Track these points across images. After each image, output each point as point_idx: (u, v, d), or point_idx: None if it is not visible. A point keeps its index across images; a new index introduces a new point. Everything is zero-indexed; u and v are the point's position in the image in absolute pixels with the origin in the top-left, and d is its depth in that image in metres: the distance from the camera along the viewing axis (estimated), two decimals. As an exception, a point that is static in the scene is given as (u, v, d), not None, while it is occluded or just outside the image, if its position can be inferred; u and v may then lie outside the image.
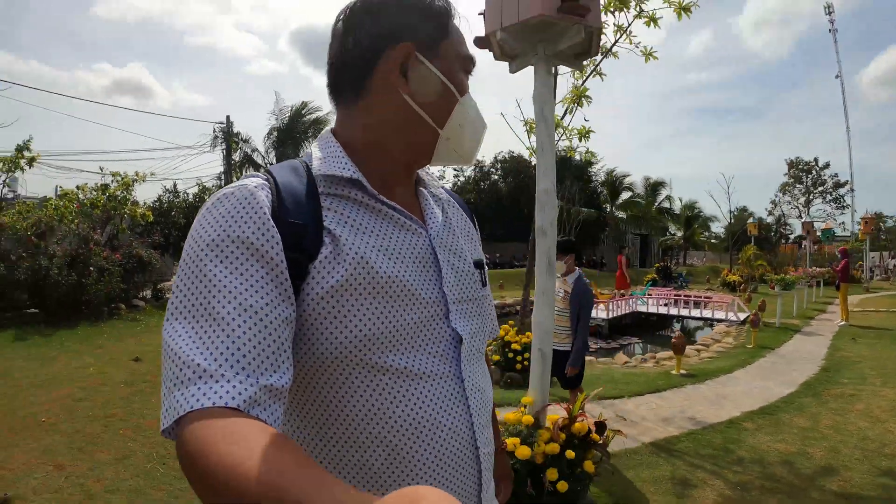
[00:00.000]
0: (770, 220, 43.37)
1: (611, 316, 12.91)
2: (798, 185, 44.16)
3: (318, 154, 0.85)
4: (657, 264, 25.29)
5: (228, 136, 21.82)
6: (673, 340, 7.25)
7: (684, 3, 5.30)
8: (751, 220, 31.74)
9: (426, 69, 0.85)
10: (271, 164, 26.21)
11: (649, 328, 13.89)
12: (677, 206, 33.69)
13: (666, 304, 14.92)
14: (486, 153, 33.92)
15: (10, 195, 11.02)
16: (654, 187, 32.51)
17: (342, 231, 0.78)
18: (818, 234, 25.59)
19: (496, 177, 33.16)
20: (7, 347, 7.62)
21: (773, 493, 3.60)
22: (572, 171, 31.56)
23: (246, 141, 24.45)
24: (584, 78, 6.10)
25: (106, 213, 12.16)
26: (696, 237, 32.95)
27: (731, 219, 31.16)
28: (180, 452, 0.56)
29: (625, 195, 31.89)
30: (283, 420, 0.79)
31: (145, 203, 14.49)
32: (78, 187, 12.12)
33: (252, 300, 0.66)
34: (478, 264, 0.96)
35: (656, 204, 32.78)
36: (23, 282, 9.51)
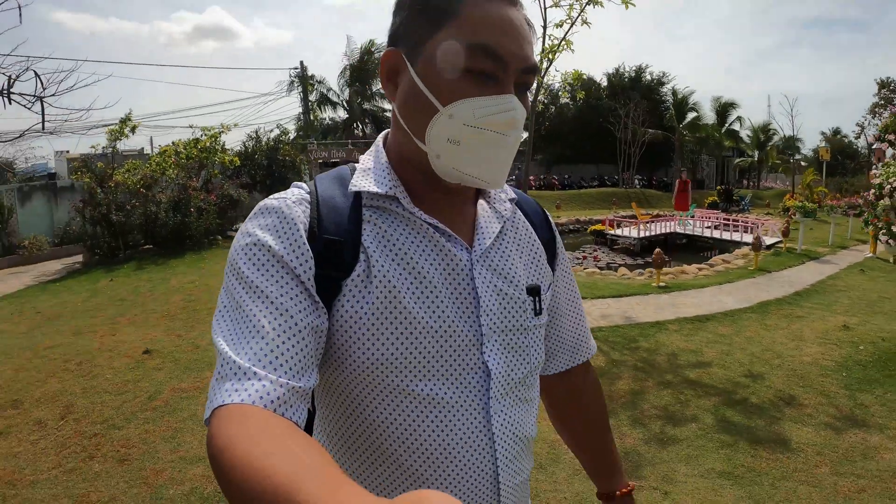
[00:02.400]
0: (861, 143, 40.31)
1: (641, 235, 13.87)
2: (890, 107, 40.23)
3: (363, 165, 0.84)
4: (718, 187, 25.04)
5: (304, 80, 23.62)
6: (653, 256, 8.38)
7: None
8: (822, 144, 30.11)
9: (408, 74, 0.77)
10: (346, 101, 28.08)
11: (693, 249, 14.51)
12: (749, 128, 32.40)
13: (710, 227, 15.45)
14: (555, 76, 33.77)
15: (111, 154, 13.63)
16: (723, 108, 31.37)
17: (375, 249, 0.77)
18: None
19: (566, 99, 33.17)
20: (132, 275, 10.06)
21: (647, 374, 4.89)
22: (640, 91, 31.04)
23: (321, 82, 26.24)
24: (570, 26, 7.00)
25: (199, 162, 14.40)
26: (772, 160, 31.65)
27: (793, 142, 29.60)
28: (208, 445, 0.57)
29: (691, 115, 31.06)
30: (317, 420, 0.87)
31: (232, 149, 16.72)
32: (173, 143, 14.38)
33: (286, 305, 0.69)
34: (531, 290, 0.88)
35: (726, 125, 31.72)
36: (137, 225, 12.08)
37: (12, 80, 10.08)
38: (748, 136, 32.94)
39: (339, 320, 0.75)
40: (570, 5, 6.85)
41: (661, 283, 8.22)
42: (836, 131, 36.92)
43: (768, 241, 12.74)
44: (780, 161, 31.29)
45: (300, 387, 0.66)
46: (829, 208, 13.52)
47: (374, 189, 0.79)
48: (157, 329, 6.53)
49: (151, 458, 3.58)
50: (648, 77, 33.12)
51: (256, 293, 0.69)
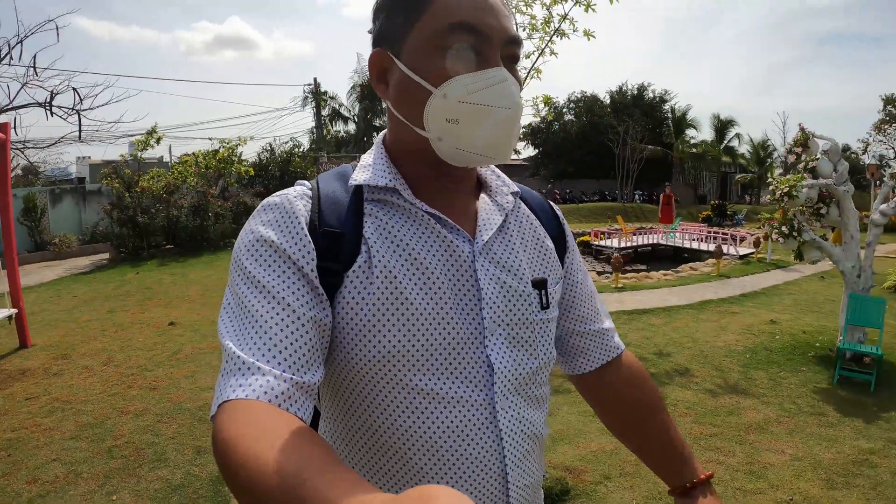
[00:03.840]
0: (868, 159, 40.79)
1: (621, 245, 14.88)
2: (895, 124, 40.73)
3: (363, 161, 0.85)
4: (713, 202, 25.92)
5: (317, 96, 24.97)
6: (612, 260, 9.40)
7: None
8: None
9: (397, 69, 0.78)
10: (357, 115, 29.54)
11: (678, 259, 15.35)
12: (748, 144, 33.31)
13: (695, 240, 16.35)
14: (560, 94, 34.87)
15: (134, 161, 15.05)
16: (723, 125, 32.36)
17: (376, 241, 0.77)
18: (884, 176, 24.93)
19: (570, 117, 34.33)
20: (155, 270, 11.29)
21: None
22: (642, 108, 32.10)
23: (333, 97, 27.62)
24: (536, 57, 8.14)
25: (217, 171, 15.68)
26: (772, 175, 32.49)
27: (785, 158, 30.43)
28: (213, 440, 0.57)
29: (691, 132, 32.10)
30: (322, 416, 0.86)
31: (248, 160, 18.06)
32: (193, 153, 15.71)
33: (289, 300, 0.69)
34: (537, 283, 0.86)
35: (725, 142, 32.66)
36: (160, 227, 13.40)
37: (53, 95, 11.44)
38: (749, 152, 33.81)
39: (340, 312, 0.74)
40: (541, 38, 7.98)
41: (619, 285, 9.22)
42: (846, 148, 37.58)
43: (742, 251, 13.61)
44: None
45: (305, 381, 0.65)
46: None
47: (373, 182, 0.79)
48: (180, 309, 7.71)
49: (175, 388, 4.72)
50: (650, 95, 34.15)
51: (260, 289, 0.69)
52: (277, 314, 0.67)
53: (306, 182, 0.83)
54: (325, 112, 26.99)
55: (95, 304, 8.28)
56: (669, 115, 32.93)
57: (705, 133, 32.28)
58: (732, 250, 13.94)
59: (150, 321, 7.03)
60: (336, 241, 0.75)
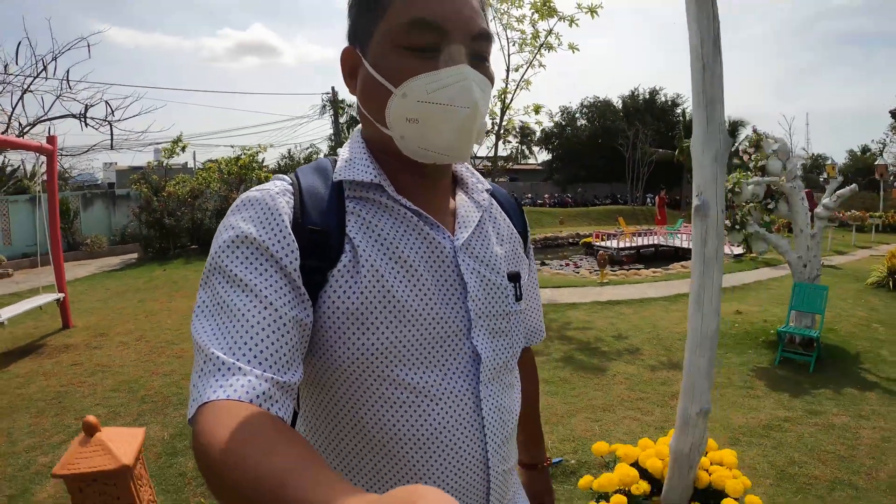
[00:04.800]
0: (890, 160, 40.54)
1: (620, 246, 15.49)
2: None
3: (345, 155, 0.84)
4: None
5: (335, 104, 25.98)
6: (597, 257, 10.06)
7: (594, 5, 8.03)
8: (829, 161, 31.23)
9: (363, 67, 0.79)
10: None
11: (680, 259, 15.80)
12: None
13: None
14: (573, 99, 35.21)
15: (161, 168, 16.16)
16: (733, 127, 32.67)
17: (361, 240, 0.77)
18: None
19: (583, 122, 34.90)
20: (181, 267, 12.26)
21: (549, 337, 6.59)
22: (654, 113, 32.55)
23: (350, 105, 28.55)
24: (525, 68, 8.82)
25: (239, 177, 16.67)
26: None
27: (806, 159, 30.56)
28: (194, 442, 0.57)
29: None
30: (298, 416, 0.86)
31: (269, 166, 19.08)
32: (216, 160, 16.75)
33: (270, 298, 0.67)
34: (512, 277, 0.89)
35: (736, 143, 32.95)
36: (185, 229, 14.45)
37: (88, 108, 12.61)
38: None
39: (325, 312, 0.74)
40: (530, 51, 8.69)
41: (604, 280, 9.87)
42: (865, 149, 37.53)
43: (737, 251, 14.09)
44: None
45: (285, 381, 0.65)
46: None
47: (359, 177, 0.79)
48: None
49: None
50: (662, 98, 34.58)
51: (240, 286, 0.67)
52: (259, 312, 0.66)
53: (285, 177, 0.81)
54: (343, 119, 27.98)
55: (127, 295, 9.20)
56: (681, 118, 33.38)
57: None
58: (727, 250, 14.46)
59: (176, 308, 7.90)
60: (320, 240, 0.74)
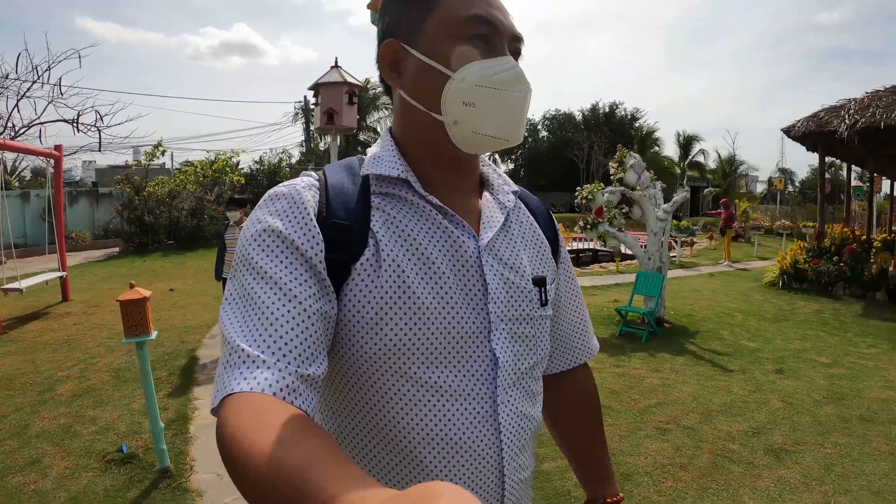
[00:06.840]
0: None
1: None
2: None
3: (374, 151, 0.86)
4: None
5: (307, 112, 27.60)
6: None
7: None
8: (777, 174, 33.73)
9: (412, 57, 0.81)
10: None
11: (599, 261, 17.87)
12: (713, 160, 35.86)
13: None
14: (536, 112, 37.17)
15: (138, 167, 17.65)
16: (687, 141, 34.85)
17: (384, 234, 0.77)
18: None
19: (544, 133, 36.90)
20: (159, 259, 13.86)
21: None
22: (612, 126, 34.60)
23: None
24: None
25: (213, 180, 18.22)
26: (737, 190, 35.00)
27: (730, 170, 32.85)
28: (218, 434, 0.57)
29: (668, 149, 34.73)
30: (318, 409, 0.84)
31: (242, 169, 20.64)
32: (193, 163, 18.30)
33: (295, 291, 0.68)
34: (537, 281, 0.89)
35: (690, 157, 35.15)
36: (163, 226, 15.96)
37: (79, 114, 14.29)
38: (713, 167, 36.31)
39: (347, 304, 0.75)
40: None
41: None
42: (832, 164, 40.24)
43: (671, 254, 15.99)
44: (746, 191, 34.66)
45: (310, 374, 0.65)
46: (750, 229, 16.96)
47: (386, 172, 0.80)
48: (177, 283, 10.25)
49: (171, 319, 7.28)
50: (622, 113, 36.69)
51: (266, 279, 0.68)
52: (284, 305, 0.67)
53: (312, 173, 0.83)
54: (313, 127, 29.50)
55: (113, 280, 10.78)
56: (641, 132, 35.54)
57: (669, 150, 34.79)
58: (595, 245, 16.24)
59: (156, 289, 9.49)
60: (344, 233, 0.75)
